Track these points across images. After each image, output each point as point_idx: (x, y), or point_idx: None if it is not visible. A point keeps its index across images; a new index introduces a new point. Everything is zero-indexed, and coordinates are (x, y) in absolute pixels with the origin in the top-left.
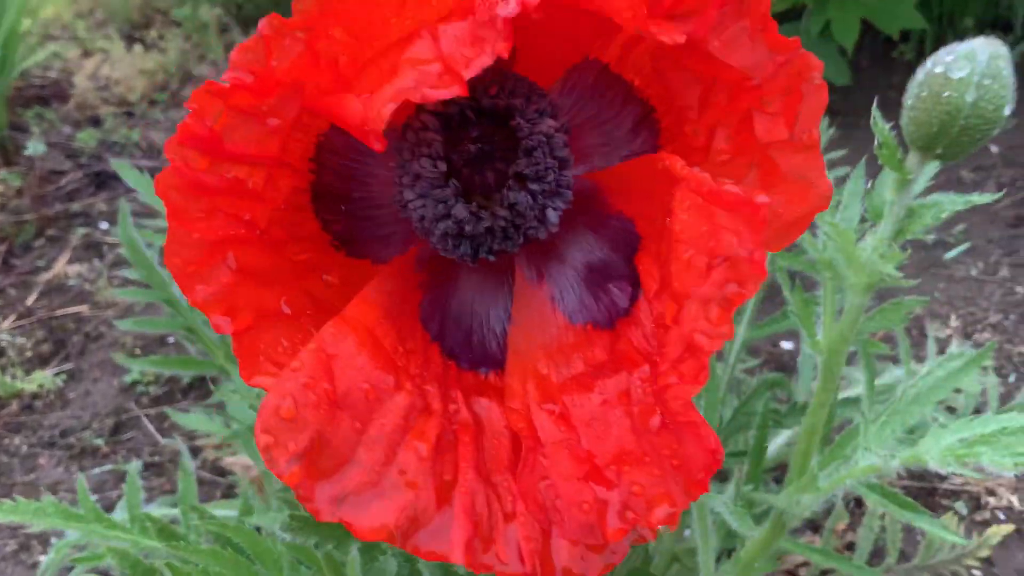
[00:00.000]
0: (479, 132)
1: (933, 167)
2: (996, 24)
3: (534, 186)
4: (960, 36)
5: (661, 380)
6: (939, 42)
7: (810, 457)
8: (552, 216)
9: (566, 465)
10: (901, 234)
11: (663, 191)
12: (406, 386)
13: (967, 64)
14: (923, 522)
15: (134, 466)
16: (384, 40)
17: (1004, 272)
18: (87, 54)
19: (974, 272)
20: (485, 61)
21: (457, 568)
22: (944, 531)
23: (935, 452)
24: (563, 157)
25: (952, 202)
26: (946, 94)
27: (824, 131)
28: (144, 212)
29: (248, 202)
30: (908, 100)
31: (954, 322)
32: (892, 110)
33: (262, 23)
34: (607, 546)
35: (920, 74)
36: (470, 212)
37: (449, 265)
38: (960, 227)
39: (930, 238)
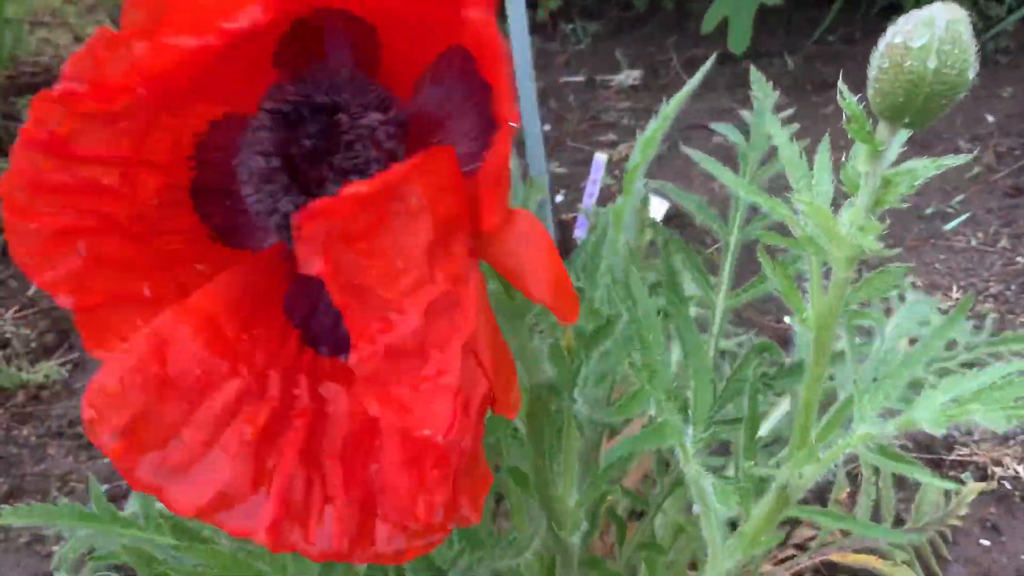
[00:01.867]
0: (315, 129)
1: (904, 136)
2: None
3: (355, 179)
4: None
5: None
6: None
7: (809, 430)
8: None
9: (396, 450)
10: (878, 204)
11: None
12: (242, 372)
13: (926, 31)
14: (915, 472)
15: None
16: None
17: (1004, 243)
18: (78, 39)
19: (974, 243)
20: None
21: (440, 563)
22: (933, 479)
23: (927, 414)
24: (390, 149)
25: (925, 167)
26: (908, 63)
27: (825, 105)
28: None
29: (104, 198)
30: (871, 72)
31: (955, 293)
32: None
33: (95, 35)
34: (426, 529)
35: (881, 45)
36: (295, 206)
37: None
38: (959, 198)
39: (929, 210)
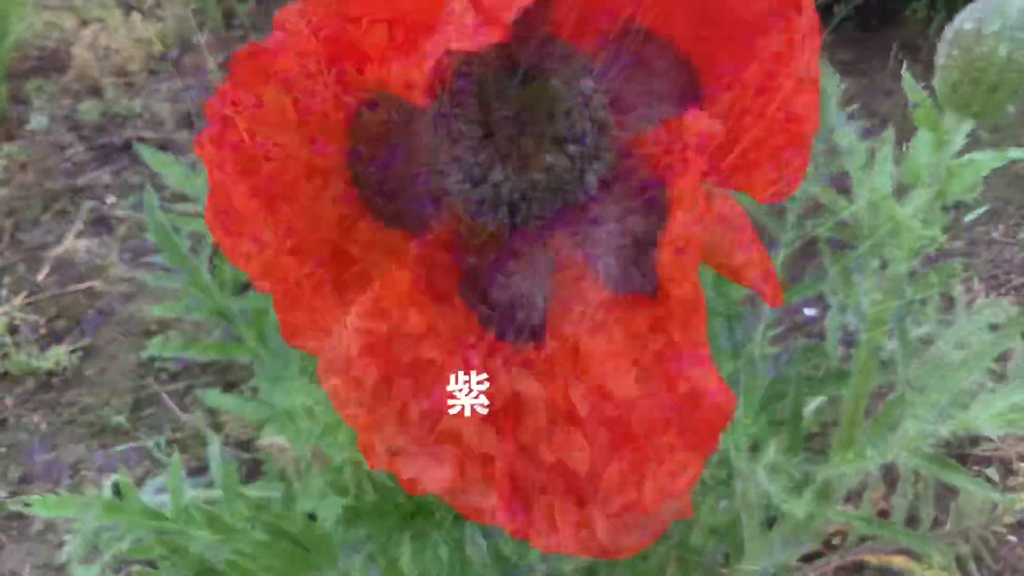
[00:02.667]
0: (516, 94)
1: (968, 126)
2: None
3: (572, 148)
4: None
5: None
6: (951, 1)
7: (856, 426)
8: (590, 180)
9: (603, 439)
10: (941, 196)
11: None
12: (456, 353)
13: (997, 18)
14: (963, 481)
15: (176, 458)
16: None
17: None
18: (84, 23)
19: (995, 235)
20: (524, 2)
21: (505, 550)
22: (982, 487)
23: (986, 418)
24: (602, 119)
25: (991, 159)
26: (978, 50)
27: (836, 91)
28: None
29: (293, 167)
30: (939, 59)
31: (977, 286)
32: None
33: None
34: (645, 520)
35: (949, 32)
36: (506, 176)
37: (488, 235)
38: (979, 189)
39: (949, 200)
